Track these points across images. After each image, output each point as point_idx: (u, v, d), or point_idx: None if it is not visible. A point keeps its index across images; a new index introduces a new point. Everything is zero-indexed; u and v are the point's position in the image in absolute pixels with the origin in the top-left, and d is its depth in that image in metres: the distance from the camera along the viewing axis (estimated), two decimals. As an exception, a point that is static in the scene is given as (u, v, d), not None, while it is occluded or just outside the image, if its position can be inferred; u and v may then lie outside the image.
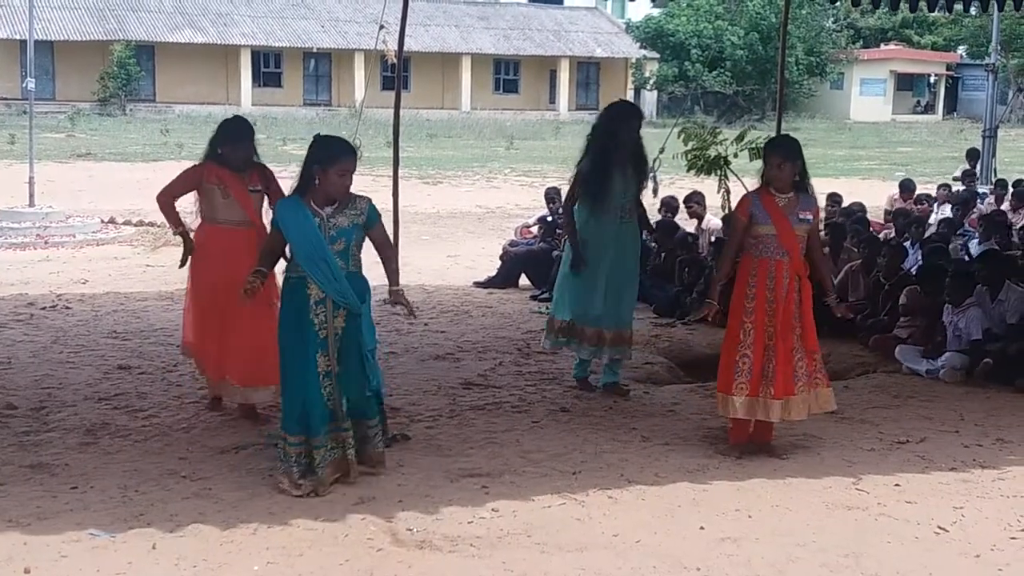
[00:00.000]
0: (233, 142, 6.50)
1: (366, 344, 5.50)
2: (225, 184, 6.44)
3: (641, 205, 7.56)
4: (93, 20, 42.14)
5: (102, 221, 15.74)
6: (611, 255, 7.26)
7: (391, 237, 7.92)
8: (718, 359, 6.31)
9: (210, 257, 6.49)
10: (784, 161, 6.04)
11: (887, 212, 14.18)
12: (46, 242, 14.14)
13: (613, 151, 7.20)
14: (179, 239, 6.78)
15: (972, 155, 18.50)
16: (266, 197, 6.57)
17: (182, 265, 6.74)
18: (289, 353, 5.43)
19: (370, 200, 5.48)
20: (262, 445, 6.07)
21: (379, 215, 5.51)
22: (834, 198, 13.10)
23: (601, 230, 7.24)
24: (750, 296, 6.04)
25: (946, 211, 13.66)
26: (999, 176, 17.69)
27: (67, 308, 9.96)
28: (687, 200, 11.87)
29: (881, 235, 11.70)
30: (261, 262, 5.59)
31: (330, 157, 5.29)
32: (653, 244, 10.72)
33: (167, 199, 6.66)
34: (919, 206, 13.74)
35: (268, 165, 6.85)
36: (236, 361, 6.47)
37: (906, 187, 15.03)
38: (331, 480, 5.40)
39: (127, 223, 15.87)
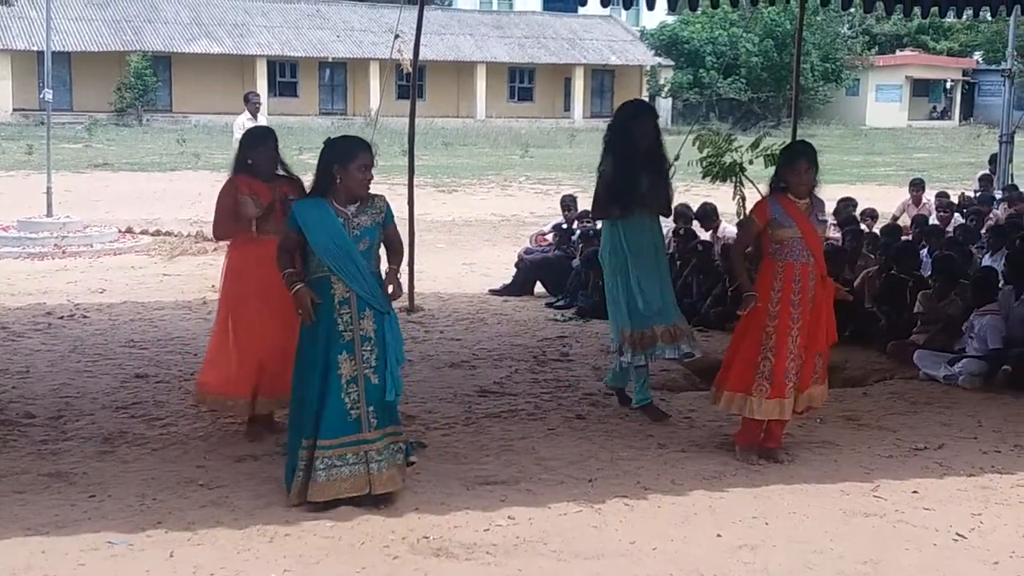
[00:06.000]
0: (258, 144, 6.55)
1: (398, 349, 5.33)
2: (257, 195, 6.45)
3: (668, 199, 7.30)
4: (110, 31, 42.38)
5: (119, 231, 15.79)
6: (645, 254, 7.06)
7: (407, 245, 7.99)
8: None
9: (247, 268, 6.46)
10: (811, 167, 6.07)
11: (894, 218, 14.13)
12: (64, 252, 14.20)
13: (632, 150, 7.01)
14: (209, 244, 6.72)
15: (994, 160, 18.37)
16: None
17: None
18: (309, 353, 5.30)
19: (385, 198, 5.45)
20: (279, 453, 6.09)
21: (393, 215, 5.50)
22: (849, 202, 13.09)
23: (632, 231, 7.04)
24: (775, 300, 6.05)
25: (957, 218, 13.57)
26: (1012, 181, 17.57)
27: (84, 317, 10.01)
28: (703, 216, 11.77)
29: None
30: (286, 263, 5.38)
31: (348, 154, 5.25)
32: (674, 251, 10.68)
33: (224, 231, 6.61)
34: (943, 213, 13.63)
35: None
36: (268, 371, 6.43)
37: (917, 185, 14.94)
38: (346, 494, 5.21)
39: (144, 232, 15.93)
